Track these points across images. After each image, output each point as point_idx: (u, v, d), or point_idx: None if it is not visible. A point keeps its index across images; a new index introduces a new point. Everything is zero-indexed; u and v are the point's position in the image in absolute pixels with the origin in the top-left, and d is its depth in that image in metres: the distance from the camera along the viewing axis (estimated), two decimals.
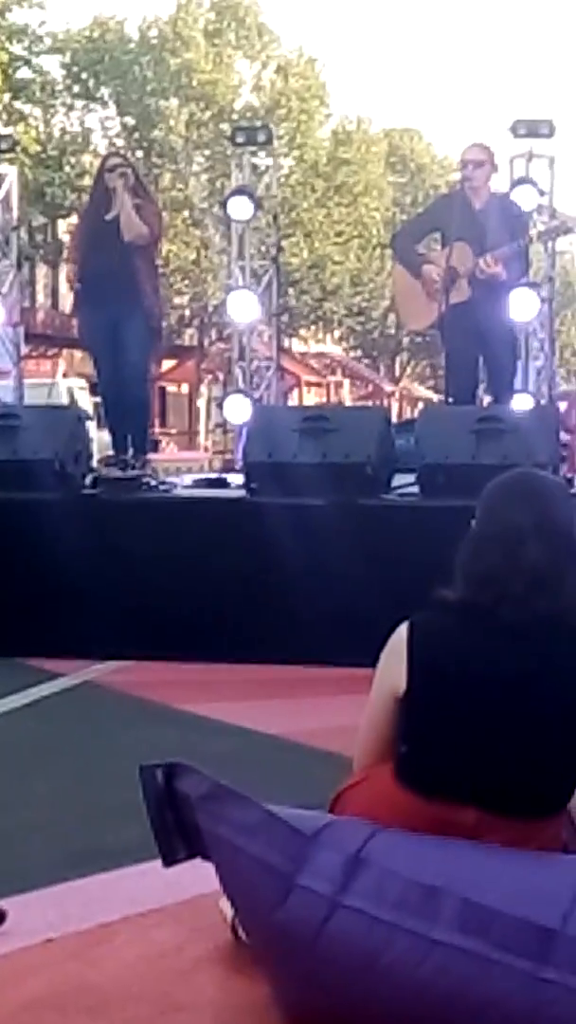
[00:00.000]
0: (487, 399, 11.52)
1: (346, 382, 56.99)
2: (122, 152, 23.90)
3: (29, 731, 7.21)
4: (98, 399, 15.14)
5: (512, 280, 10.49)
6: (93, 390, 24.31)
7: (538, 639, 3.58)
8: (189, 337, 47.19)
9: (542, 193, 12.82)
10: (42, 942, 4.16)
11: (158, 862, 3.83)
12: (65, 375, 35.56)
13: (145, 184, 10.98)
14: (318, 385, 54.51)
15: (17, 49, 37.99)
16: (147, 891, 4.50)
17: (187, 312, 45.93)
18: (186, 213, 42.66)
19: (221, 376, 42.34)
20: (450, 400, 10.64)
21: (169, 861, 3.80)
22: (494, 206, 10.47)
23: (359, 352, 59.22)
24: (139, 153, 40.55)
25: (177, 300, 43.25)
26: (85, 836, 5.26)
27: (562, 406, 14.45)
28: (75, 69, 42.00)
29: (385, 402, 52.87)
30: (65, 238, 37.89)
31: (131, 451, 10.41)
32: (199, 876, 3.92)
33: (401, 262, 10.85)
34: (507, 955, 3.30)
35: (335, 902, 3.43)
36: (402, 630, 3.69)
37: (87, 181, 35.37)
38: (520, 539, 3.60)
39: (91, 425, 11.56)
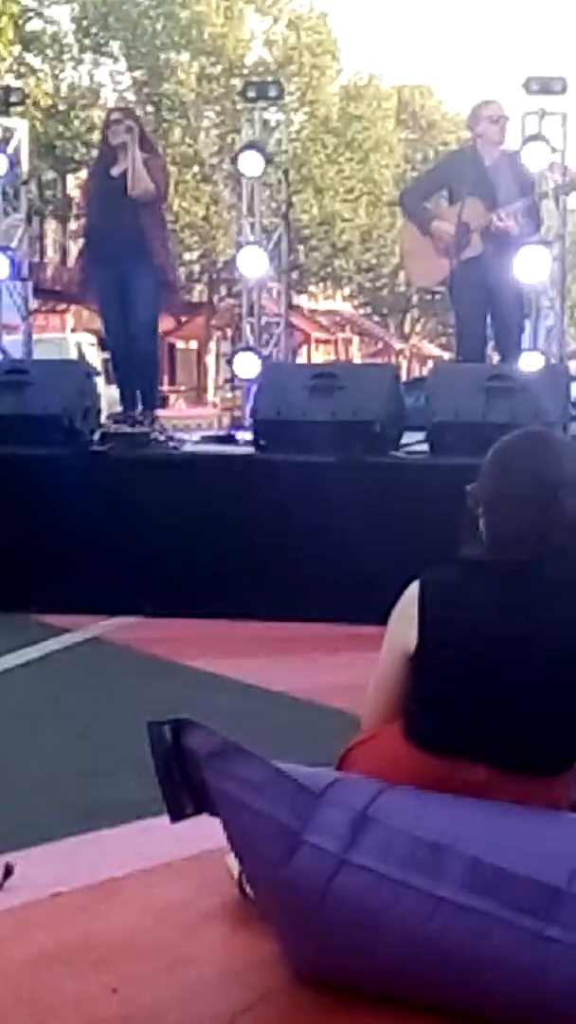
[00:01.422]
0: (496, 357, 11.47)
1: (355, 339, 56.99)
2: (127, 107, 23.83)
3: (36, 687, 7.22)
4: (107, 355, 15.12)
5: (523, 237, 10.45)
6: (102, 345, 24.26)
7: (560, 595, 3.57)
8: (198, 293, 47.09)
9: (554, 150, 12.73)
10: (49, 897, 4.18)
11: (165, 818, 3.83)
12: (74, 330, 35.56)
13: (150, 139, 10.93)
14: (327, 342, 54.50)
15: (28, 1, 37.79)
16: (154, 846, 4.51)
17: (196, 268, 45.81)
18: (196, 168, 42.53)
19: (230, 332, 42.28)
20: (460, 358, 10.61)
21: (176, 817, 3.80)
22: (504, 163, 10.45)
23: (369, 309, 59.11)
24: (149, 108, 40.40)
25: (187, 256, 43.13)
26: (92, 791, 5.27)
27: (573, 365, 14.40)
28: (84, 22, 41.78)
29: (394, 359, 52.89)
30: (74, 193, 37.83)
31: (140, 407, 10.40)
32: (206, 832, 3.92)
33: (410, 219, 10.80)
34: (513, 913, 3.31)
35: (342, 859, 3.43)
36: (413, 588, 3.68)
37: (96, 135, 35.24)
38: (555, 494, 3.58)
39: (99, 381, 11.52)
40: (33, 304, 14.36)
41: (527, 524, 3.61)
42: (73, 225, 39.65)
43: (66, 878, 4.32)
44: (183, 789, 3.72)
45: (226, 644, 8.20)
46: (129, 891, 4.27)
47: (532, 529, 3.60)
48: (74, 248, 40.26)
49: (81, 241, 10.77)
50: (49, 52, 40.23)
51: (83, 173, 28.61)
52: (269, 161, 13.54)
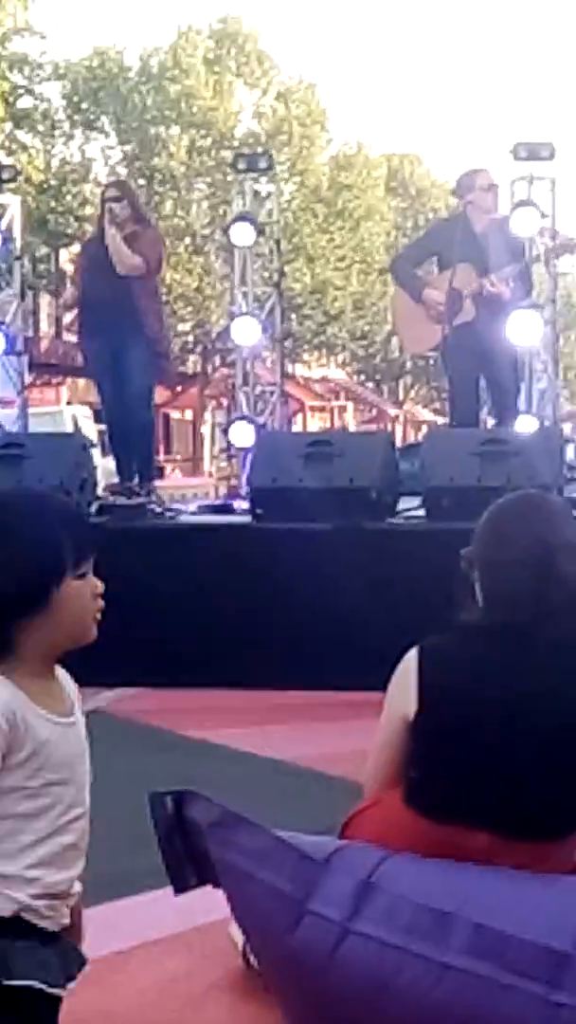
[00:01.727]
0: (490, 421, 11.52)
1: (350, 406, 57.06)
2: (122, 180, 23.94)
3: None
4: (102, 426, 15.16)
5: (515, 302, 10.52)
6: (97, 417, 24.31)
7: (564, 657, 3.58)
8: (193, 364, 47.25)
9: (544, 216, 12.83)
10: None
11: (169, 889, 3.82)
12: (69, 403, 35.64)
13: (144, 211, 11.01)
14: (322, 410, 54.60)
15: (18, 78, 38.12)
16: (159, 918, 4.50)
17: (190, 339, 45.99)
18: (188, 240, 42.75)
19: (225, 402, 42.40)
20: (454, 423, 10.66)
21: (180, 888, 3.79)
22: (494, 229, 10.53)
23: (362, 376, 59.30)
24: (140, 181, 40.61)
25: (180, 327, 43.30)
26: (96, 864, 5.20)
27: (566, 427, 14.45)
28: (75, 99, 42.10)
29: (389, 426, 52.94)
30: (68, 267, 38.01)
31: (136, 478, 10.43)
32: (209, 903, 3.91)
33: (401, 286, 10.88)
34: (519, 979, 3.30)
35: (346, 928, 3.42)
36: (411, 655, 3.69)
37: (89, 210, 35.50)
38: (551, 555, 3.60)
39: (96, 452, 11.56)
40: (28, 378, 14.44)
41: (521, 587, 3.62)
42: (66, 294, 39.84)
43: None
44: (186, 860, 3.71)
45: (225, 713, 8.18)
46: (135, 963, 4.26)
47: (526, 591, 3.61)
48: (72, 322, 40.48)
49: (78, 314, 10.79)
50: (40, 128, 40.50)
51: (76, 248, 28.75)
52: (261, 231, 13.64)
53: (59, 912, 2.71)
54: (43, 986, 2.62)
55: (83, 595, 2.71)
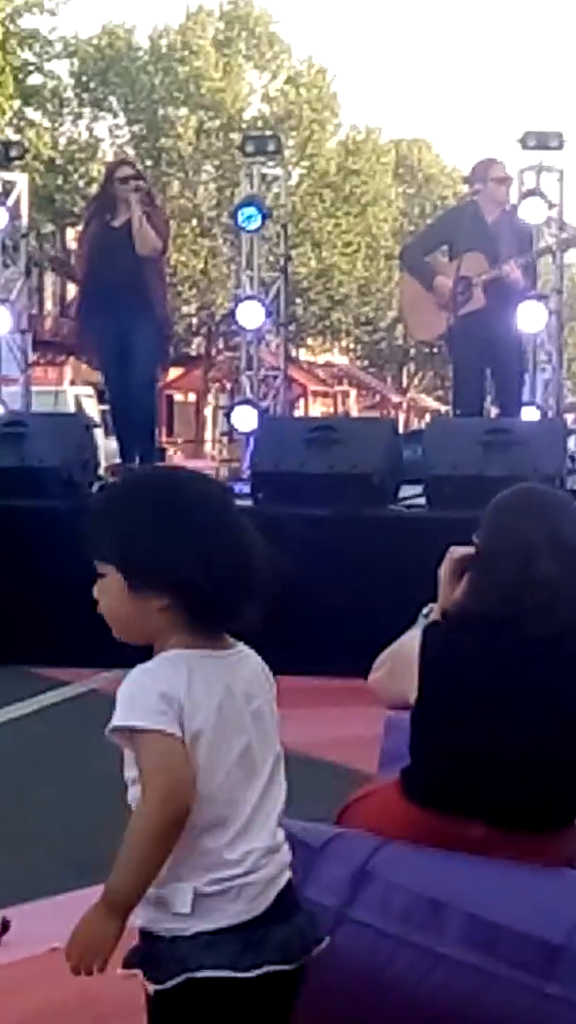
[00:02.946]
0: (494, 411, 11.51)
1: (353, 392, 57.07)
2: (130, 160, 23.88)
3: (35, 739, 7.21)
4: (105, 407, 15.15)
5: (521, 292, 10.51)
6: (100, 397, 24.32)
7: (556, 652, 3.58)
8: (196, 346, 47.23)
9: (551, 206, 12.82)
10: (46, 952, 4.15)
11: None
12: (72, 382, 35.63)
13: (153, 193, 10.99)
14: (325, 395, 54.58)
15: (28, 55, 38.04)
16: None
17: (194, 321, 45.97)
18: (194, 222, 42.74)
19: (228, 385, 42.38)
20: (458, 411, 10.65)
21: None
22: (504, 220, 10.51)
23: (366, 362, 59.29)
24: (148, 162, 40.58)
25: (185, 309, 43.29)
26: (89, 845, 5.24)
27: (569, 418, 14.45)
28: (84, 77, 42.05)
29: (392, 412, 52.97)
30: (74, 246, 37.98)
31: (138, 459, 10.42)
32: None
33: (412, 274, 10.84)
34: (512, 970, 3.30)
35: (341, 915, 3.43)
36: (416, 639, 3.67)
37: (95, 189, 35.45)
38: (533, 554, 3.60)
39: (98, 433, 11.55)
40: (32, 356, 14.42)
41: (506, 581, 3.63)
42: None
43: (64, 933, 4.25)
44: None
45: None
46: (126, 945, 4.24)
47: (510, 586, 3.62)
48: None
49: (80, 294, 10.75)
50: (49, 106, 40.46)
51: (82, 226, 28.77)
52: (268, 215, 13.62)
53: None
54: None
55: None
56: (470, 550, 3.76)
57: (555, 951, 3.30)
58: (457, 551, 3.78)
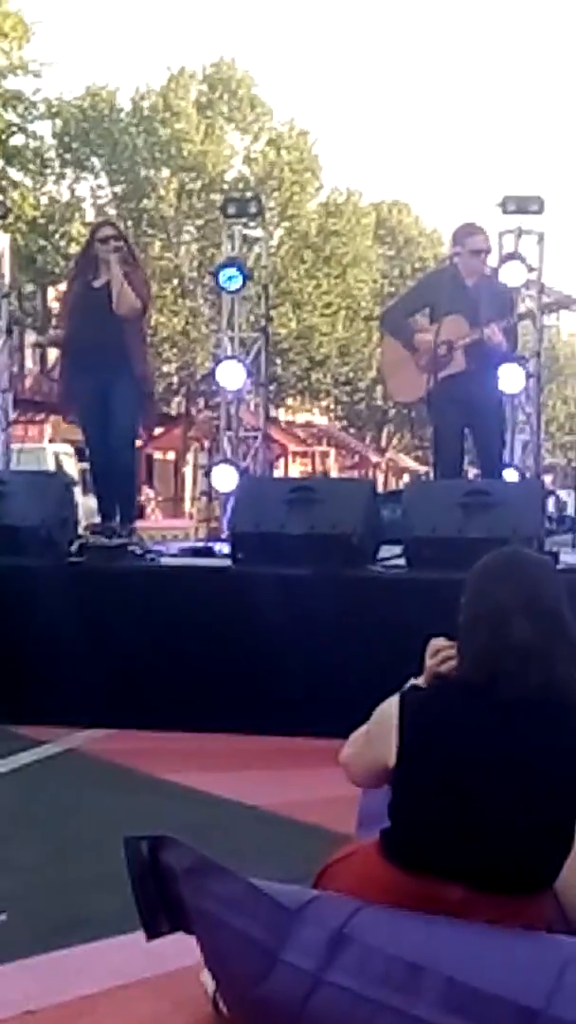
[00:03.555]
0: (472, 472, 11.54)
1: (332, 452, 57.16)
2: (112, 221, 23.96)
3: (11, 798, 7.17)
4: (85, 464, 15.15)
5: (503, 355, 10.55)
6: (80, 455, 24.34)
7: (529, 716, 3.59)
8: (176, 405, 47.29)
9: (531, 269, 12.92)
10: (21, 1015, 4.13)
11: (140, 934, 3.80)
12: (52, 440, 35.66)
13: (135, 253, 11.01)
14: (304, 455, 54.67)
15: (12, 116, 38.22)
16: (128, 963, 4.47)
17: (175, 380, 46.05)
18: (175, 282, 42.86)
19: (207, 444, 42.43)
20: (438, 473, 10.67)
21: (152, 933, 3.77)
22: (484, 283, 10.55)
23: (345, 422, 59.39)
24: (129, 222, 40.70)
25: (165, 368, 43.37)
26: (66, 906, 5.22)
27: (548, 480, 14.50)
28: (67, 138, 42.21)
29: (371, 472, 53.06)
30: (54, 305, 38.06)
31: (118, 518, 10.41)
32: (181, 948, 3.89)
33: (394, 336, 10.85)
34: None
35: (318, 978, 3.41)
36: (394, 704, 3.69)
37: (77, 249, 35.57)
38: (505, 618, 3.62)
39: (77, 491, 11.56)
40: (12, 414, 14.45)
41: (479, 646, 3.64)
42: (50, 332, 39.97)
43: (38, 995, 4.27)
44: (159, 905, 3.69)
45: (202, 758, 8.16)
46: (103, 1008, 4.22)
47: (483, 652, 3.63)
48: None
49: (64, 357, 10.77)
50: (31, 166, 40.58)
51: (63, 286, 28.86)
52: (249, 276, 13.70)
53: None
54: None
55: None
56: (447, 643, 3.78)
57: (533, 1015, 3.29)
58: (435, 643, 3.81)
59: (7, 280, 13.80)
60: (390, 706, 3.70)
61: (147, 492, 39.97)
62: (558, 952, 3.45)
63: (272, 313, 19.87)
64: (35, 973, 4.49)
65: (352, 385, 53.37)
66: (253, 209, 14.28)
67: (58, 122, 41.52)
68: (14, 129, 38.65)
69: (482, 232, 10.60)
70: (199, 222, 42.85)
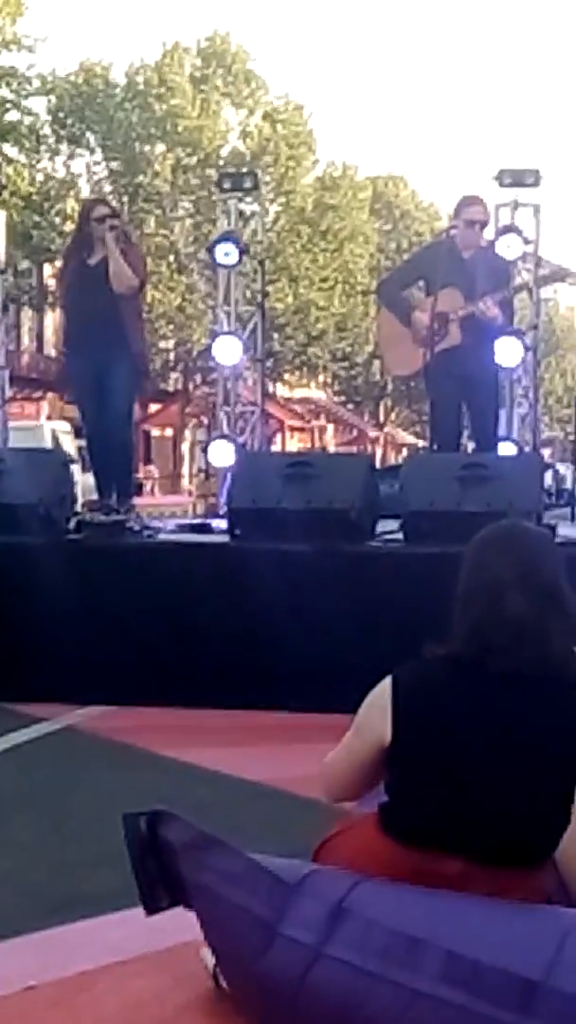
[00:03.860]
0: (471, 445, 11.52)
1: (330, 427, 57.15)
2: (105, 199, 23.88)
3: (9, 776, 7.17)
4: (82, 442, 15.13)
5: (498, 328, 10.52)
6: (77, 433, 24.32)
7: (525, 689, 3.58)
8: (174, 381, 47.26)
9: (527, 242, 12.87)
10: (21, 990, 4.13)
11: (139, 910, 3.80)
12: (49, 418, 35.64)
13: (129, 231, 10.99)
14: (302, 430, 54.67)
15: (6, 92, 38.11)
16: (128, 939, 4.47)
17: (172, 357, 46.00)
18: (171, 258, 42.79)
19: (205, 420, 42.42)
20: (435, 447, 10.65)
21: (151, 909, 3.77)
22: (480, 256, 10.52)
23: (343, 397, 59.38)
24: (124, 198, 40.67)
25: (162, 345, 43.32)
26: (65, 883, 5.23)
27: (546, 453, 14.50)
28: (61, 114, 42.09)
29: (369, 447, 53.05)
30: (51, 282, 38.02)
31: (115, 495, 10.40)
32: (180, 924, 3.89)
33: (390, 309, 10.83)
34: (490, 1007, 3.28)
35: (318, 952, 3.41)
36: (386, 684, 3.69)
37: (72, 226, 35.48)
38: (501, 592, 3.62)
39: (75, 468, 11.54)
40: (9, 392, 14.42)
41: (474, 619, 3.64)
42: (49, 313, 39.97)
43: (38, 971, 4.28)
44: (158, 881, 3.69)
45: (200, 734, 8.16)
46: (103, 984, 4.22)
47: (478, 625, 3.63)
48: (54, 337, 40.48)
49: (61, 332, 10.77)
50: (26, 143, 40.47)
51: (59, 262, 28.82)
52: (244, 251, 13.66)
53: None
54: None
55: None
56: None
57: (533, 987, 3.29)
58: None
59: (2, 257, 13.74)
60: (381, 687, 3.71)
61: (147, 469, 40.01)
62: (557, 924, 3.45)
63: (268, 288, 19.79)
64: (35, 949, 4.49)
65: (349, 360, 53.36)
66: (249, 184, 14.24)
67: (52, 98, 41.37)
68: (8, 105, 38.55)
69: (480, 203, 10.56)
70: (194, 197, 42.76)
